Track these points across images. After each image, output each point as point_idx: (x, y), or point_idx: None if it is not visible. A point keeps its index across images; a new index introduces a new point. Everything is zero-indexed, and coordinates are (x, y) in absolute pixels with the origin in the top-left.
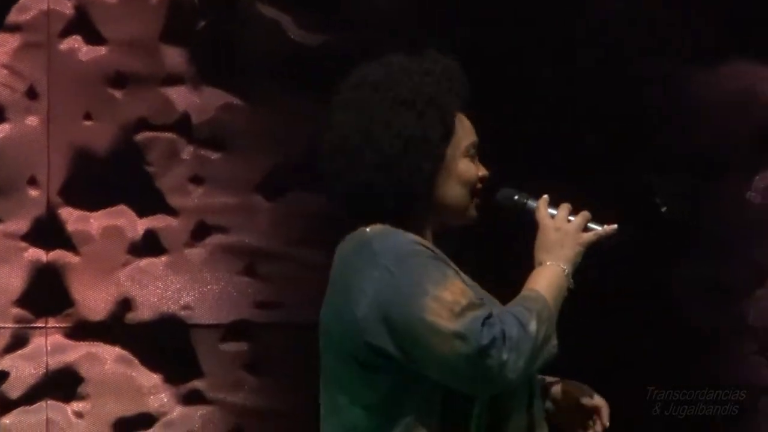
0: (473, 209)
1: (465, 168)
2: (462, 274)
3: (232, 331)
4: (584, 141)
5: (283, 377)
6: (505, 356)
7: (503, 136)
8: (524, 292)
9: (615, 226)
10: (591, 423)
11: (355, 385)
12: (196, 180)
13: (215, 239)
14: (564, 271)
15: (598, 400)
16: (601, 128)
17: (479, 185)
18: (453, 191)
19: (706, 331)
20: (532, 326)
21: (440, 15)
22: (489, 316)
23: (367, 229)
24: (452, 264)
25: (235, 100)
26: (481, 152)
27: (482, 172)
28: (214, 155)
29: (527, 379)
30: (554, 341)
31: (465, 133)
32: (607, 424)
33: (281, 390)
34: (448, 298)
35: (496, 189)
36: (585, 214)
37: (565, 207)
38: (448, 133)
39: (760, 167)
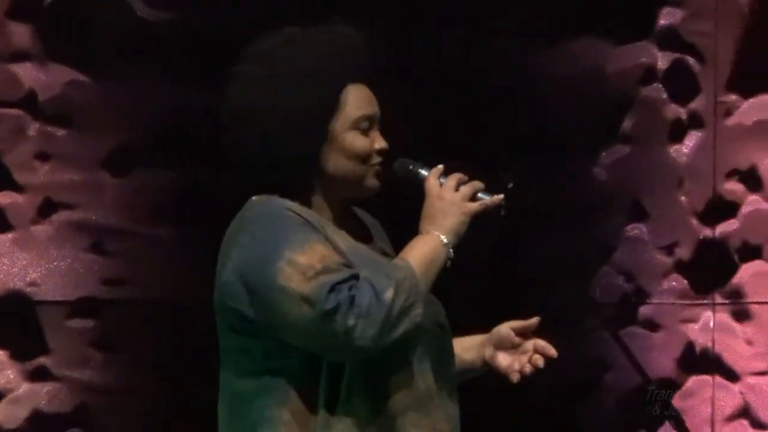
0: (371, 180)
1: (351, 141)
2: (344, 241)
3: (78, 307)
4: (438, 121)
5: (129, 354)
6: (350, 322)
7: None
8: (394, 260)
9: (501, 196)
10: (531, 358)
11: (233, 354)
12: (43, 157)
13: (62, 216)
14: (443, 240)
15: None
16: (453, 108)
17: (375, 158)
18: (341, 165)
19: (551, 308)
20: (388, 294)
21: None
22: (341, 282)
23: (253, 198)
24: (329, 231)
25: (82, 77)
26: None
27: (379, 144)
28: (61, 132)
29: (434, 344)
30: (417, 310)
31: (357, 105)
32: (554, 353)
33: (127, 366)
34: (303, 262)
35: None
36: (475, 184)
37: (455, 176)
38: (330, 106)
39: (606, 143)
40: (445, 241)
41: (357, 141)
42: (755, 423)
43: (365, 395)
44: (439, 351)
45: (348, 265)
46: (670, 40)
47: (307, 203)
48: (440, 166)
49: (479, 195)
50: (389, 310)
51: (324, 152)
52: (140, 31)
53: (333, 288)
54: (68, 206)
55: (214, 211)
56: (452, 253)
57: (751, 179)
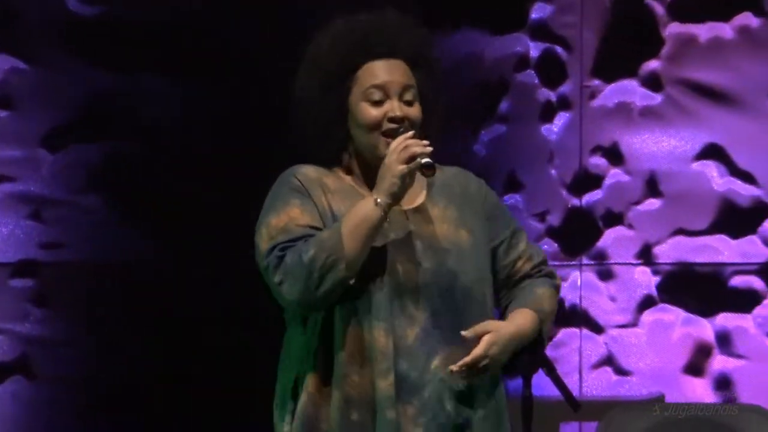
0: (383, 149)
1: (360, 111)
2: (350, 203)
3: (19, 269)
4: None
5: (65, 309)
6: (277, 279)
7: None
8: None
9: (423, 160)
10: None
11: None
12: None
13: (5, 188)
14: (376, 201)
15: (480, 345)
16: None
17: (386, 125)
18: (358, 134)
19: None
20: (308, 254)
21: None
22: (286, 243)
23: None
24: (331, 195)
25: (21, 64)
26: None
27: (393, 112)
28: (2, 113)
29: (437, 301)
30: (341, 266)
31: (367, 79)
32: (467, 361)
33: (63, 321)
34: (273, 224)
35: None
36: (411, 149)
37: (397, 140)
38: (347, 84)
39: (485, 123)
40: (378, 201)
41: (365, 111)
42: (617, 370)
43: (338, 341)
44: (443, 308)
45: (316, 227)
46: (541, 32)
47: (347, 169)
48: (409, 133)
49: (420, 159)
50: (309, 268)
51: (351, 125)
52: (71, 23)
53: (274, 247)
54: (10, 179)
55: (138, 182)
56: (385, 209)
57: (613, 155)
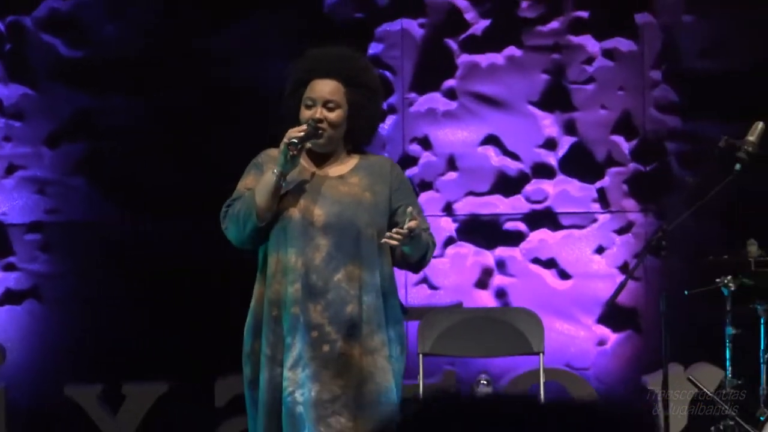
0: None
1: (300, 112)
2: (299, 175)
3: (30, 227)
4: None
5: (61, 255)
6: (224, 225)
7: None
8: None
9: (292, 140)
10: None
11: None
12: None
13: (20, 174)
14: (272, 171)
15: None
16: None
17: (311, 123)
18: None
19: None
20: (234, 208)
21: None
22: (233, 200)
23: None
24: (269, 164)
25: (29, 91)
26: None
27: (316, 115)
28: (17, 123)
29: (333, 236)
30: (253, 216)
31: (307, 92)
32: (409, 226)
33: (60, 262)
34: (237, 188)
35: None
36: (290, 132)
37: (290, 130)
38: (301, 90)
39: None
40: (273, 171)
41: (301, 112)
42: (431, 286)
43: (271, 262)
44: (342, 240)
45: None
46: (375, 62)
47: (299, 151)
48: (302, 126)
49: (287, 140)
50: (236, 216)
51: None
52: (63, 62)
53: (228, 203)
54: (23, 168)
55: (109, 169)
56: (276, 174)
57: (425, 143)
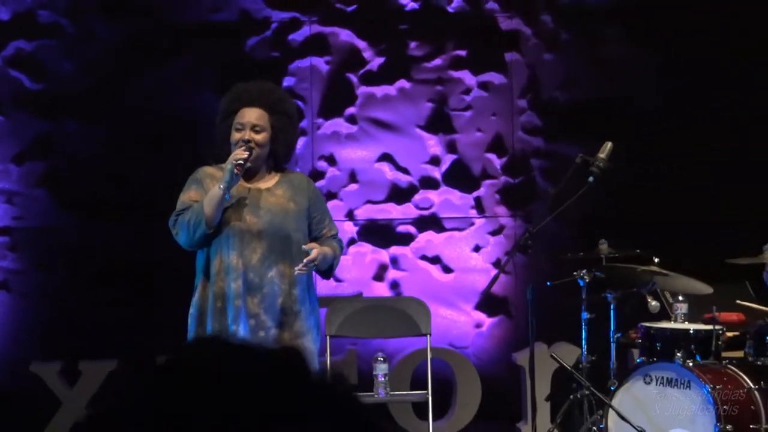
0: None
1: (232, 135)
2: (236, 189)
3: (1, 231)
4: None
5: (26, 253)
6: (174, 232)
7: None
8: None
9: (238, 161)
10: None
11: None
12: None
13: None
14: (219, 186)
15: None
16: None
17: (240, 144)
18: (233, 147)
19: None
20: (184, 216)
21: None
22: (181, 211)
23: None
24: (207, 180)
25: None
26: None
27: (244, 137)
28: None
29: (268, 240)
30: (203, 224)
31: (237, 118)
32: (309, 259)
33: (25, 260)
34: (181, 200)
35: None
36: (236, 153)
37: (234, 152)
38: (232, 117)
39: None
40: (220, 186)
41: (233, 135)
42: (336, 279)
43: (216, 262)
44: (274, 243)
45: (200, 201)
46: (289, 93)
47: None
48: (242, 148)
49: (234, 161)
50: (187, 224)
51: (231, 142)
52: (26, 93)
53: (176, 214)
54: None
55: (64, 182)
56: (222, 189)
57: (330, 160)
